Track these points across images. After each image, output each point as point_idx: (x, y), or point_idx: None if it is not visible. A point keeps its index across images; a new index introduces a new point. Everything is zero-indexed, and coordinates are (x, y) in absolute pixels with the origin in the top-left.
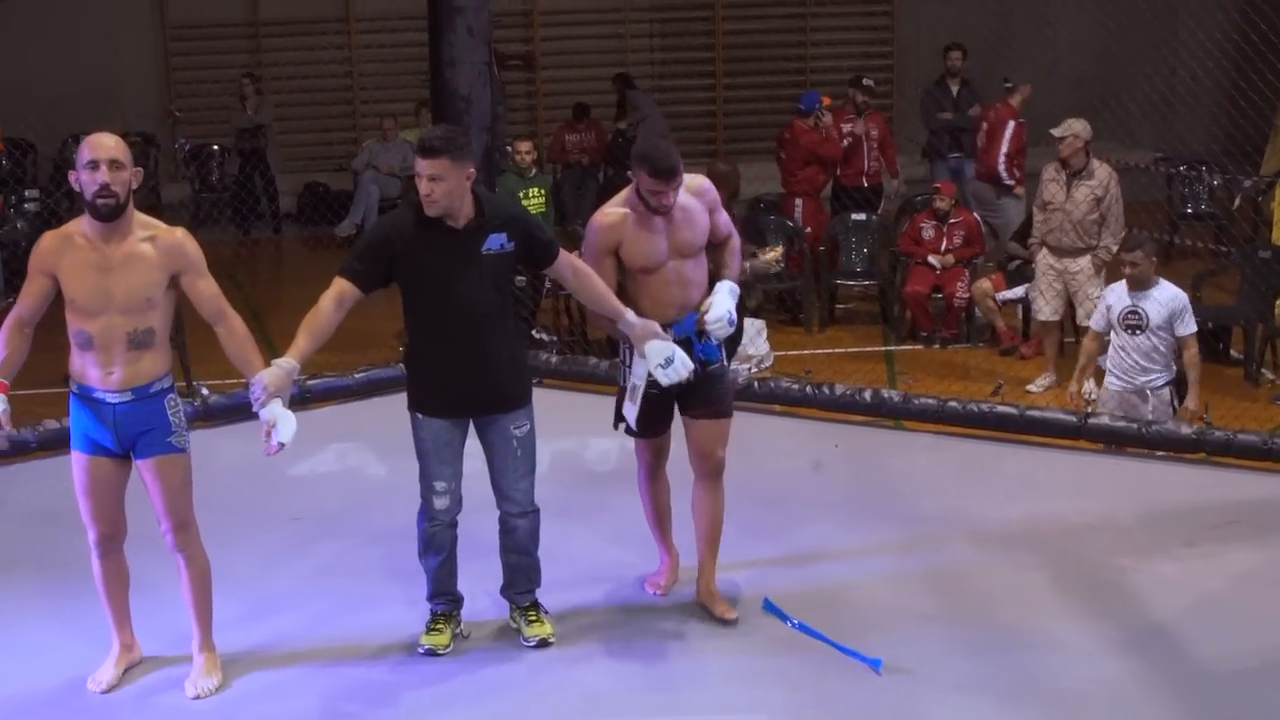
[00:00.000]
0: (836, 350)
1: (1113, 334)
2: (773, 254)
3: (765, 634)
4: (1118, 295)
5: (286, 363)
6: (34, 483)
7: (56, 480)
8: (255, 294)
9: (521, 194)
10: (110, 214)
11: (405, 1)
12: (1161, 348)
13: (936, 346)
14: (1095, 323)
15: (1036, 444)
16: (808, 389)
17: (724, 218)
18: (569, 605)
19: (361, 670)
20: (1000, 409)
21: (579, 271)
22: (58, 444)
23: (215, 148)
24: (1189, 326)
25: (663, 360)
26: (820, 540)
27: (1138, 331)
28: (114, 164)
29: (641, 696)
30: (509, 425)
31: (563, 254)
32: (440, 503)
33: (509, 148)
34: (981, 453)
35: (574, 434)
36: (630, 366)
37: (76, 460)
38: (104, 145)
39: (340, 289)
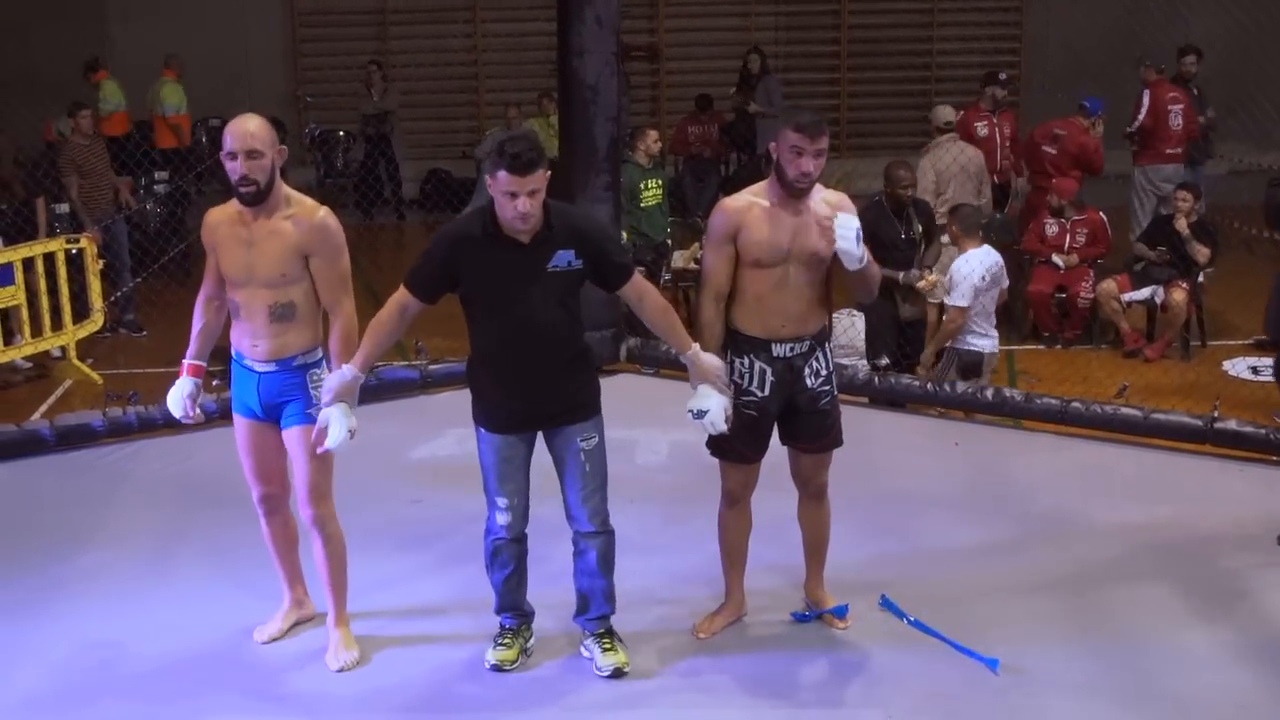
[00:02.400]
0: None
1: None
2: (927, 280)
3: (881, 630)
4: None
5: (349, 371)
6: (158, 460)
7: (183, 458)
8: (375, 278)
9: (642, 185)
10: (253, 200)
11: None
12: None
13: (1058, 347)
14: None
15: (1161, 448)
16: (928, 386)
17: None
18: (653, 612)
19: (442, 674)
20: (1125, 411)
21: (646, 295)
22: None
23: (341, 133)
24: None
25: (701, 409)
26: (938, 538)
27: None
28: (251, 154)
29: (742, 699)
30: (576, 437)
31: (635, 276)
32: (503, 518)
33: (631, 138)
34: (1104, 455)
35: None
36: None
37: (236, 422)
38: (243, 135)
39: (403, 299)
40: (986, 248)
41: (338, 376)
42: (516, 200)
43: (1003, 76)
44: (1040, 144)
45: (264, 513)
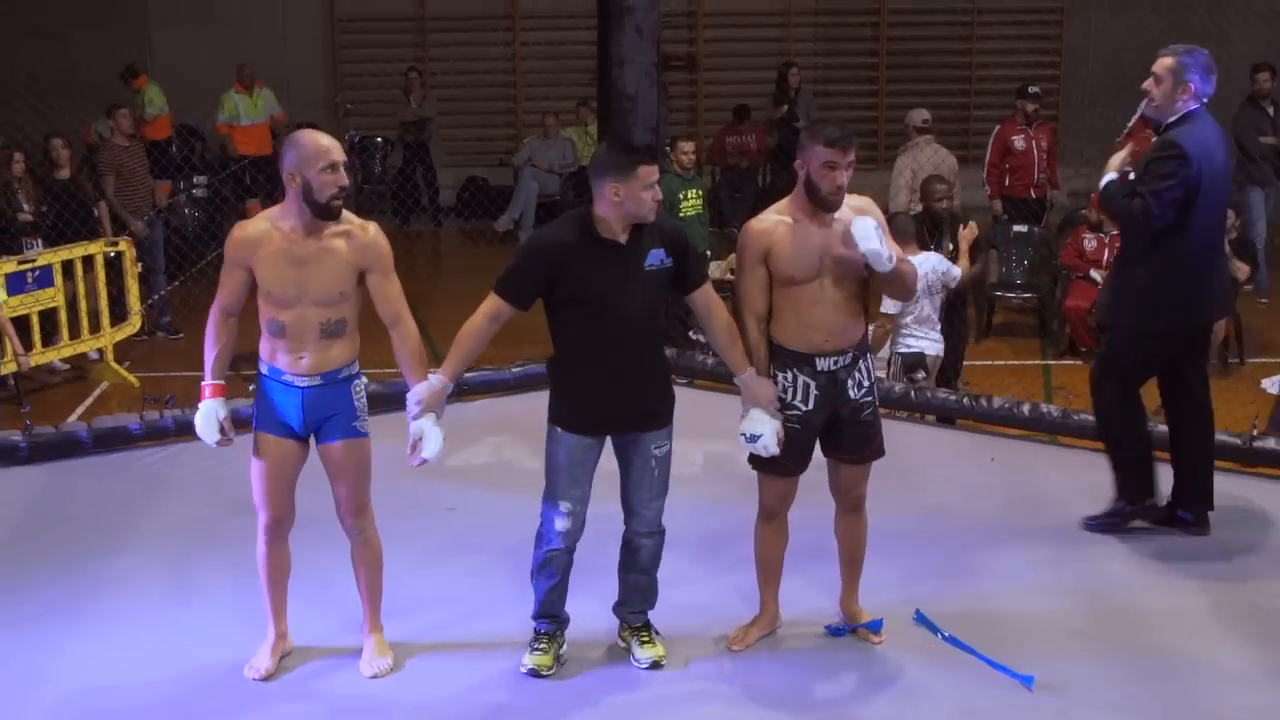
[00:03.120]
0: (994, 363)
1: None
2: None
3: (916, 646)
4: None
5: (439, 379)
6: (194, 465)
7: (219, 463)
8: (412, 285)
9: (681, 195)
10: (339, 213)
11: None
12: None
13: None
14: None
15: None
16: (965, 400)
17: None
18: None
19: (478, 682)
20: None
21: (716, 307)
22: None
23: (379, 139)
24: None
25: (755, 433)
26: (973, 553)
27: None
28: (346, 166)
29: (776, 710)
30: (650, 444)
31: (707, 284)
32: (562, 524)
33: (670, 148)
34: None
35: (728, 436)
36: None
37: (260, 440)
38: (338, 149)
39: (495, 306)
40: (925, 254)
41: (426, 387)
42: (652, 192)
43: (1033, 90)
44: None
45: (270, 539)
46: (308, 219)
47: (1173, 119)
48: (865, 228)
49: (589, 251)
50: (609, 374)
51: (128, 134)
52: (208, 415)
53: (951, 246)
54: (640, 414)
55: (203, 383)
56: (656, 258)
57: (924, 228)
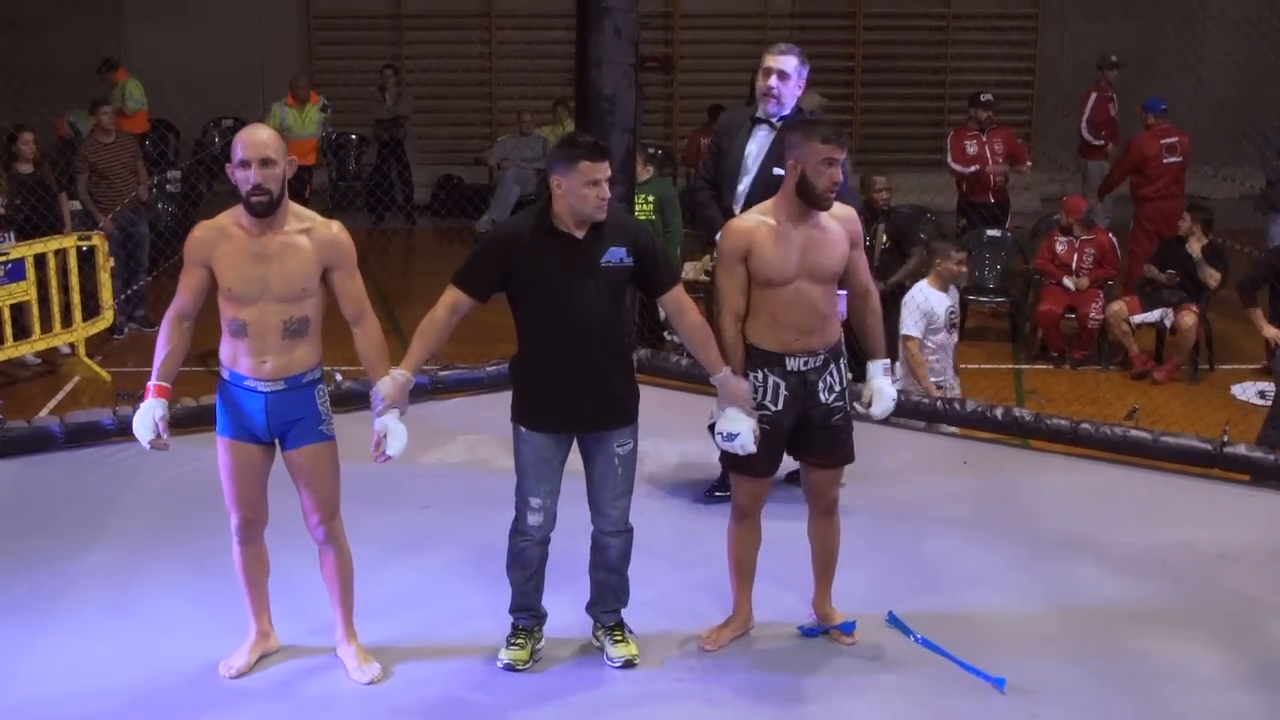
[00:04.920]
0: (966, 366)
1: (936, 336)
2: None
3: (888, 648)
4: (940, 297)
5: (401, 374)
6: (167, 460)
7: (191, 459)
8: (386, 283)
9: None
10: (265, 210)
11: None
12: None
13: (1066, 367)
14: (915, 328)
15: (1170, 470)
16: (938, 404)
17: (863, 260)
18: (660, 622)
19: (452, 680)
20: (1134, 434)
21: (686, 308)
22: (190, 423)
23: (354, 137)
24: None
25: (732, 431)
26: (946, 556)
27: (953, 330)
28: (265, 162)
29: (750, 710)
30: (613, 443)
31: (679, 287)
32: (534, 519)
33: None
34: (1112, 476)
35: (703, 436)
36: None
37: (223, 445)
38: (256, 143)
39: (454, 298)
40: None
41: (390, 382)
42: (599, 188)
43: (984, 97)
44: (1159, 158)
45: (243, 540)
46: (254, 217)
47: None
48: (885, 404)
49: (544, 243)
50: (568, 372)
51: (108, 130)
52: (144, 415)
53: (885, 239)
54: (602, 412)
55: (147, 382)
56: (616, 255)
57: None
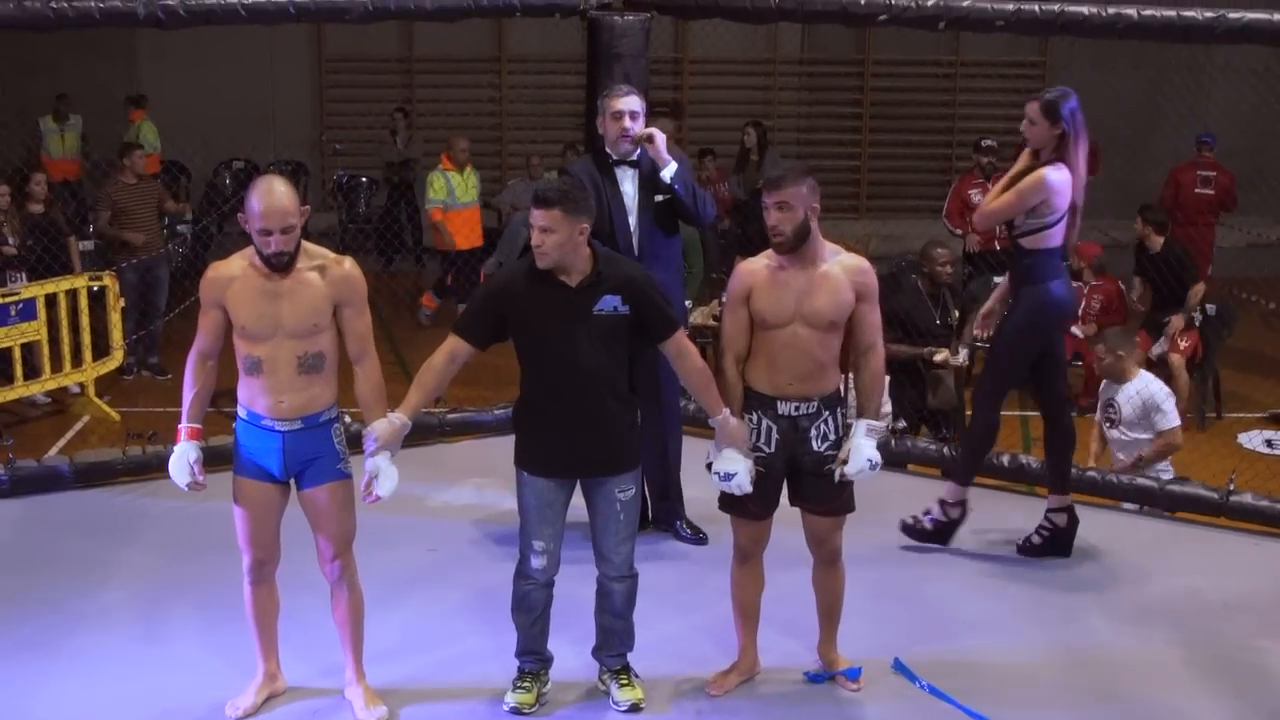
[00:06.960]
0: (970, 414)
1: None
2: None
3: (894, 694)
4: (1103, 386)
5: (398, 418)
6: (175, 500)
7: (200, 499)
8: (395, 325)
9: None
10: (285, 267)
11: (557, 44)
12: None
13: (1073, 414)
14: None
15: (1176, 519)
16: (944, 450)
17: (875, 316)
18: (666, 666)
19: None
20: (1140, 481)
21: (686, 353)
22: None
23: (364, 179)
24: (1166, 421)
25: (729, 472)
26: (953, 603)
27: (1112, 425)
28: (286, 230)
29: None
30: (614, 489)
31: (680, 333)
32: (538, 562)
33: None
34: (1117, 524)
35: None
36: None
37: (240, 485)
38: (278, 213)
39: (453, 346)
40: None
41: (385, 424)
42: (534, 233)
43: (986, 143)
44: (1192, 187)
45: (255, 581)
46: None
47: None
48: (860, 468)
49: (535, 292)
50: (567, 418)
51: (138, 174)
52: (179, 459)
53: (955, 314)
54: (602, 458)
55: (179, 425)
56: (609, 303)
57: (925, 296)
